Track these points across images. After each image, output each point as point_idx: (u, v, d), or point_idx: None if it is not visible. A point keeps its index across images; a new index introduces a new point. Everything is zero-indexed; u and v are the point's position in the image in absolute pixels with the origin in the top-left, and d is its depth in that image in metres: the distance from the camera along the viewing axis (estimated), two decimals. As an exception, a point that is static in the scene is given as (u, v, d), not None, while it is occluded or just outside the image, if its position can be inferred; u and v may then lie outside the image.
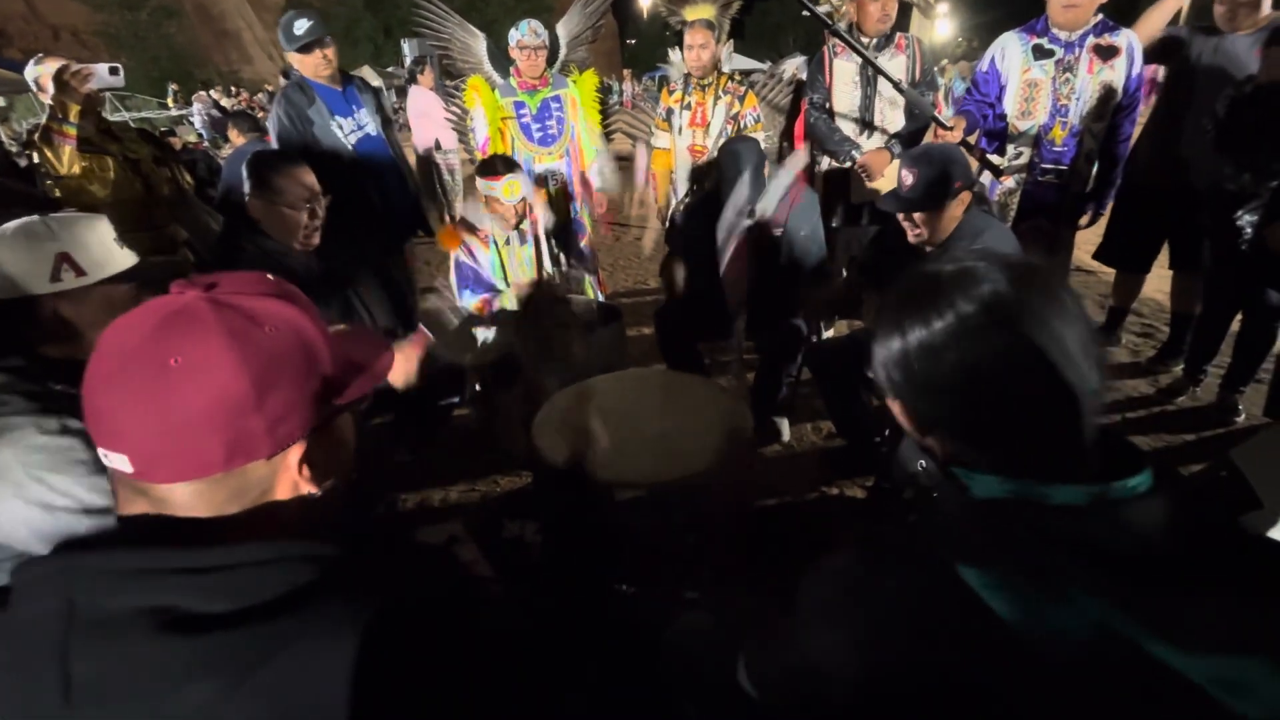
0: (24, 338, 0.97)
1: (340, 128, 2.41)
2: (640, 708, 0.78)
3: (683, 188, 2.86)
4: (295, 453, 0.51)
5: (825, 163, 2.76)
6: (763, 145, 2.71)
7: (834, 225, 2.74)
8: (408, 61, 8.90)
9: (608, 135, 3.10)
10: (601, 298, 3.01)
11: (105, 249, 1.03)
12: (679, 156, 2.84)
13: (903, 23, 2.69)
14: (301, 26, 2.30)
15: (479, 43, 2.87)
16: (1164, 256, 2.61)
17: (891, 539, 0.59)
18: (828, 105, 2.65)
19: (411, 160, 5.17)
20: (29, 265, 0.95)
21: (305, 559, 0.48)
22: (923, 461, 0.61)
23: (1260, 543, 0.51)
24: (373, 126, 2.51)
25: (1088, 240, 2.80)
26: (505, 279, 2.28)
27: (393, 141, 2.61)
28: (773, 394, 2.25)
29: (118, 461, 0.47)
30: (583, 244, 3.05)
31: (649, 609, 1.38)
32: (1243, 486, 0.99)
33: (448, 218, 5.00)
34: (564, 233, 2.88)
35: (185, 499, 0.48)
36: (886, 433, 1.91)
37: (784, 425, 2.32)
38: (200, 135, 11.29)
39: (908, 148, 2.61)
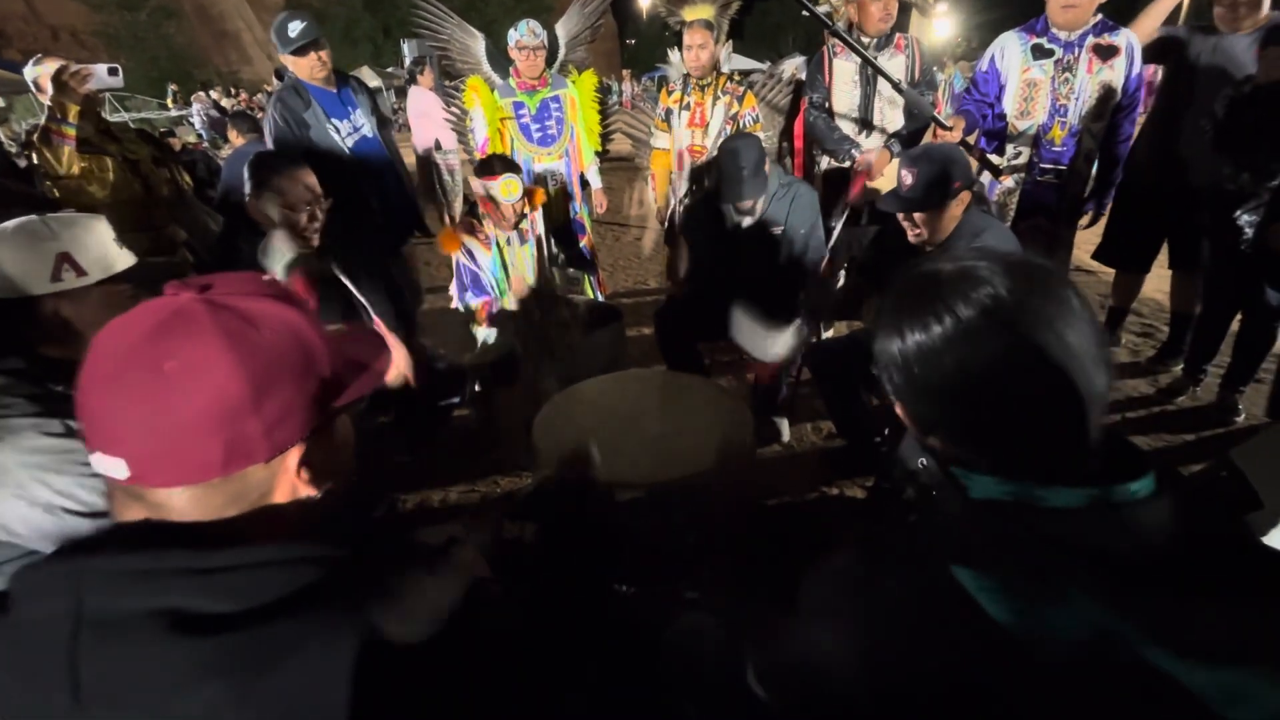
0: (24, 338, 0.97)
1: (337, 130, 2.39)
2: (640, 708, 0.78)
3: (682, 188, 2.86)
4: (294, 455, 0.50)
5: (825, 162, 2.76)
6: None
7: (833, 225, 2.74)
8: (407, 62, 8.90)
9: (607, 135, 3.10)
10: (601, 298, 3.01)
11: (105, 249, 1.03)
12: (678, 157, 2.84)
13: (902, 23, 2.69)
14: (295, 28, 2.28)
15: (478, 43, 2.87)
16: (1164, 256, 2.61)
17: (891, 539, 0.59)
18: (827, 105, 2.65)
19: (411, 160, 5.18)
20: (30, 265, 0.95)
21: (308, 560, 0.47)
22: (923, 460, 0.61)
23: (1262, 551, 0.51)
24: (369, 128, 2.50)
25: (1087, 240, 2.81)
26: (506, 279, 2.28)
27: (388, 142, 2.60)
28: (773, 394, 2.26)
29: (113, 466, 0.46)
30: (582, 244, 3.05)
31: (649, 609, 1.38)
32: (1243, 486, 0.99)
33: (447, 218, 5.00)
34: (564, 233, 2.88)
35: (183, 504, 0.47)
36: (886, 432, 1.91)
37: (784, 425, 2.32)
38: (200, 136, 11.29)
39: (907, 147, 2.61)
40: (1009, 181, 2.52)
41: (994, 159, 2.50)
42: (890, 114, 2.59)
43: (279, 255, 1.46)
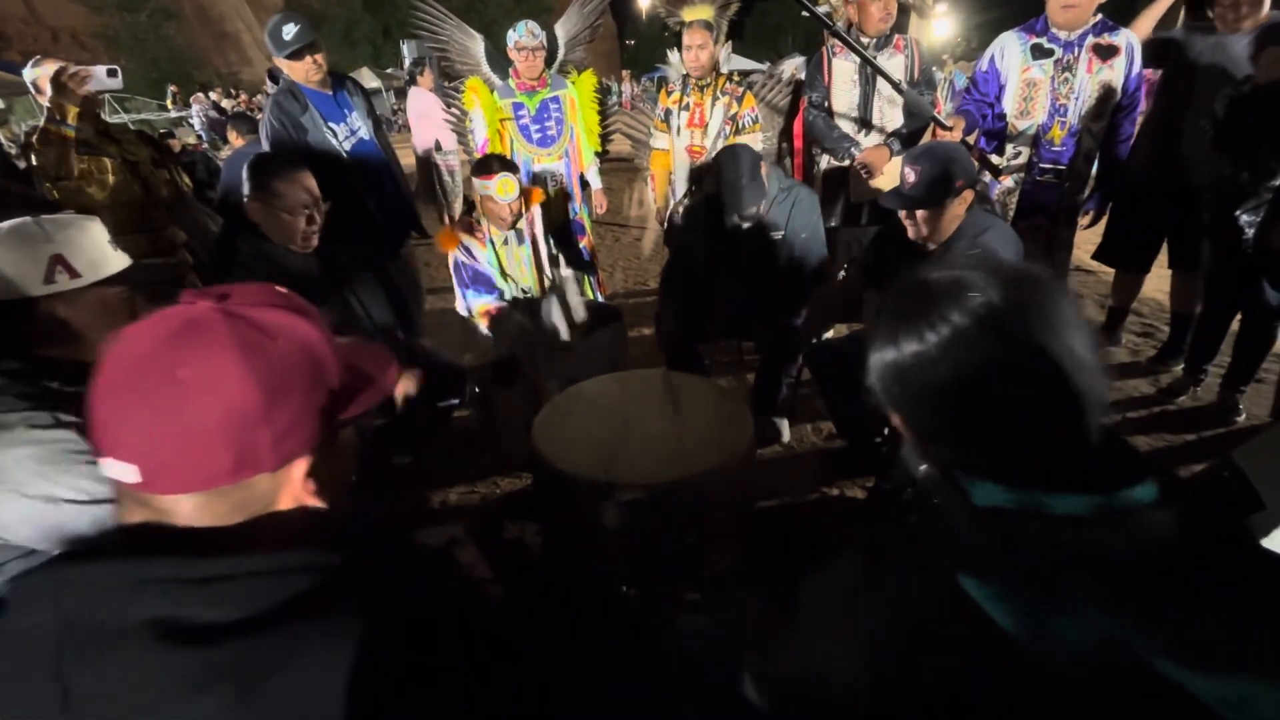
0: (19, 339, 0.97)
1: (334, 134, 2.38)
2: (640, 708, 0.78)
3: (681, 188, 2.86)
4: (300, 466, 0.51)
5: (825, 161, 2.76)
6: (761, 146, 2.72)
7: (833, 224, 2.74)
8: (407, 63, 8.90)
9: (606, 136, 3.10)
10: (601, 298, 3.01)
11: (99, 250, 1.02)
12: (677, 157, 2.84)
13: (901, 24, 2.69)
14: (290, 31, 2.24)
15: (477, 44, 2.87)
16: (1164, 256, 2.61)
17: (892, 544, 0.59)
18: (826, 104, 2.65)
19: (411, 161, 5.18)
20: (23, 267, 0.94)
21: (307, 568, 0.47)
22: (924, 467, 0.60)
23: (1264, 556, 0.51)
24: (365, 130, 2.49)
25: (1088, 240, 2.81)
26: (504, 279, 2.28)
27: (385, 144, 2.60)
28: (773, 395, 2.25)
29: (123, 471, 0.46)
30: (582, 244, 3.05)
31: (649, 609, 1.38)
32: (1245, 487, 0.99)
33: (447, 219, 5.00)
34: (563, 233, 2.88)
35: (188, 510, 0.48)
36: (886, 433, 1.91)
37: (784, 426, 2.32)
38: (199, 137, 11.29)
39: (907, 147, 2.61)
40: (1008, 181, 2.52)
41: (994, 159, 2.50)
42: (890, 113, 2.59)
43: None
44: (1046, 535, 0.50)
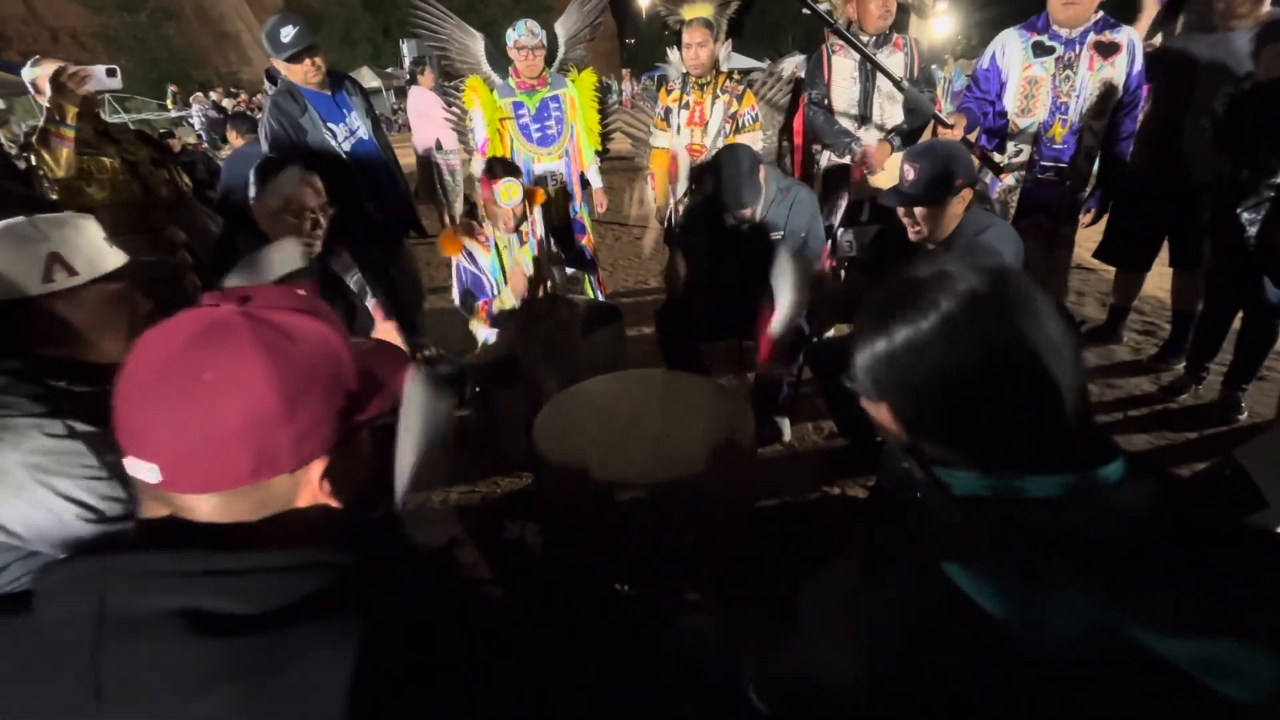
0: (21, 339, 0.96)
1: (334, 135, 2.38)
2: (640, 708, 0.78)
3: (681, 187, 2.86)
4: (317, 467, 0.52)
5: (825, 159, 2.75)
6: (761, 144, 2.72)
7: (833, 222, 2.74)
8: (407, 62, 8.89)
9: (606, 135, 3.10)
10: (601, 297, 3.01)
11: (96, 248, 1.01)
12: (678, 156, 2.83)
13: (901, 23, 2.69)
14: (288, 34, 2.22)
15: (477, 43, 2.87)
16: (1165, 254, 2.60)
17: (888, 544, 0.59)
18: (826, 101, 2.65)
19: (411, 160, 5.18)
20: (21, 267, 0.93)
21: (323, 565, 0.48)
22: (905, 464, 0.61)
23: (1243, 528, 0.52)
24: (364, 130, 2.48)
25: (1088, 238, 2.80)
26: (505, 280, 2.28)
27: (384, 143, 2.59)
28: (774, 394, 2.25)
29: (146, 470, 0.47)
30: (583, 244, 3.05)
31: (649, 609, 1.37)
32: (1248, 485, 0.98)
33: (447, 219, 5.00)
34: (564, 232, 2.88)
35: (209, 509, 0.49)
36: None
37: (785, 425, 2.31)
38: (199, 137, 11.29)
39: (908, 144, 2.61)
40: (1010, 179, 2.52)
41: (995, 157, 2.50)
42: (890, 110, 2.59)
43: (286, 263, 1.43)
44: (1021, 519, 0.51)
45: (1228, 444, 2.07)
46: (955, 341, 0.56)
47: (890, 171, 2.55)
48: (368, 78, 17.65)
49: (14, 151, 4.81)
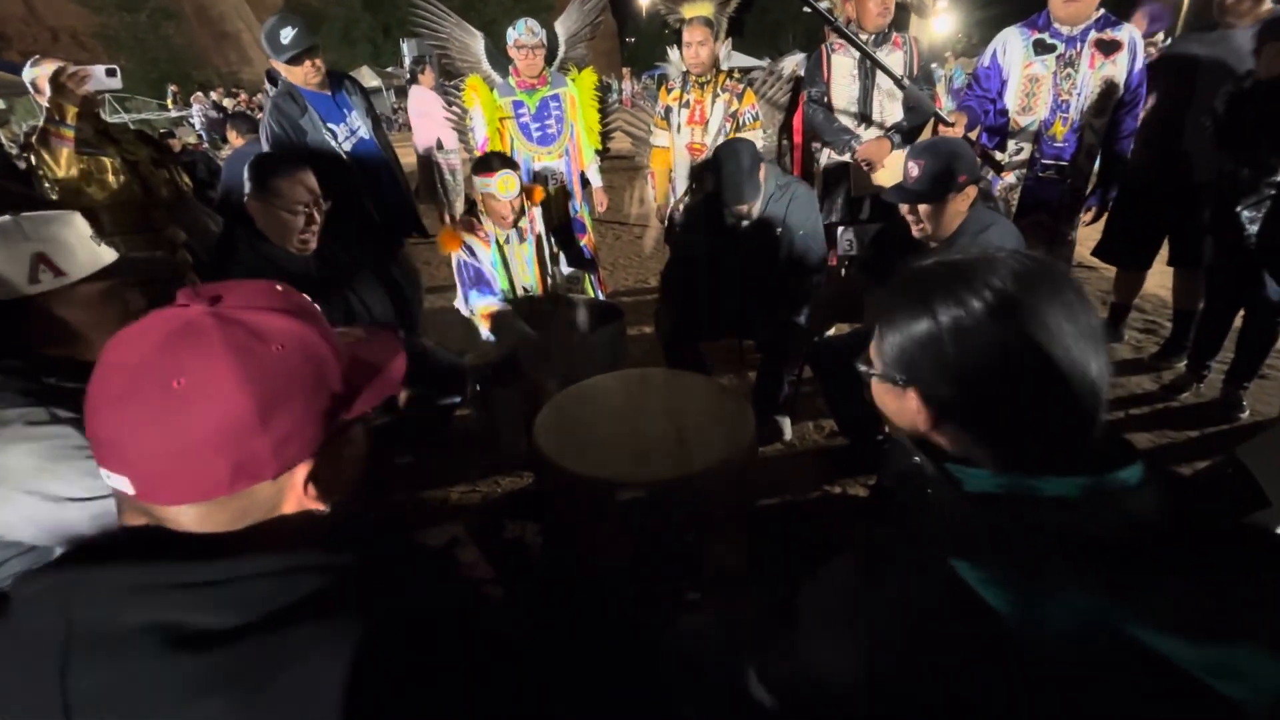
0: (14, 340, 0.96)
1: (334, 135, 2.37)
2: (640, 708, 0.77)
3: (682, 186, 2.86)
4: (301, 472, 0.50)
5: (825, 156, 2.75)
6: (761, 143, 2.71)
7: (834, 220, 2.74)
8: (407, 61, 8.88)
9: (607, 134, 3.10)
10: (602, 296, 3.01)
11: (83, 246, 0.99)
12: (678, 155, 2.83)
13: (901, 21, 2.68)
14: (288, 36, 2.21)
15: (477, 42, 2.86)
16: (1165, 253, 2.60)
17: (888, 543, 0.59)
18: (826, 100, 2.64)
19: (412, 160, 5.18)
20: (6, 268, 0.92)
21: (311, 570, 0.47)
22: (917, 458, 0.60)
23: (1246, 529, 0.52)
24: (365, 130, 2.48)
25: (1089, 236, 2.79)
26: (506, 278, 2.28)
27: (384, 142, 2.59)
28: (774, 393, 2.25)
29: (120, 483, 0.46)
30: (583, 243, 3.04)
31: (649, 609, 1.37)
32: (1250, 484, 0.98)
33: (448, 218, 4.99)
34: (564, 232, 2.87)
35: (188, 520, 0.47)
36: (888, 430, 1.90)
37: (786, 424, 2.31)
38: (199, 137, 11.30)
39: (908, 141, 2.60)
40: (1011, 178, 2.51)
41: (996, 155, 2.49)
42: (889, 107, 2.59)
43: None
44: (1032, 518, 0.50)
45: (1229, 443, 2.07)
46: (1008, 323, 0.54)
47: (891, 169, 2.55)
48: (368, 77, 17.66)
49: (14, 151, 4.81)
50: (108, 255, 1.03)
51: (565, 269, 2.52)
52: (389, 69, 20.54)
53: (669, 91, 2.81)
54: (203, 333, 0.46)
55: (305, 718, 0.42)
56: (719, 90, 2.67)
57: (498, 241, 2.24)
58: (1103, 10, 2.28)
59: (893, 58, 2.50)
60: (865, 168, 2.58)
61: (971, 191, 1.69)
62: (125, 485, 0.46)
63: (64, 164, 2.01)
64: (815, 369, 2.15)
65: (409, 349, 0.62)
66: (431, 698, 0.46)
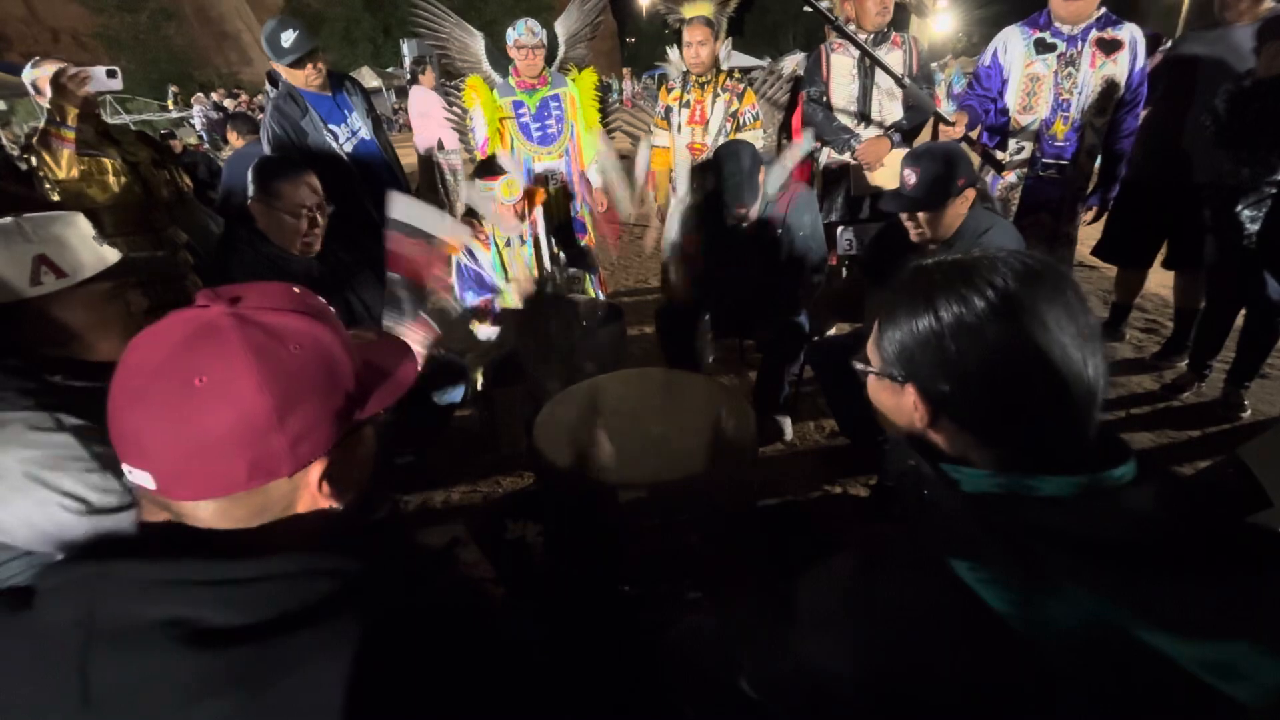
0: (17, 341, 0.95)
1: (335, 137, 2.37)
2: (640, 708, 0.77)
3: (682, 186, 2.85)
4: (316, 469, 0.51)
5: (825, 155, 2.75)
6: (761, 142, 2.71)
7: (833, 219, 2.74)
8: (407, 62, 8.88)
9: (607, 134, 3.09)
10: (603, 297, 3.01)
11: (85, 247, 0.98)
12: (678, 154, 2.83)
13: (900, 21, 2.68)
14: (289, 39, 2.21)
15: (477, 42, 2.86)
16: (1163, 254, 2.60)
17: (886, 542, 0.59)
18: (825, 99, 2.64)
19: (413, 160, 5.18)
20: (7, 270, 0.91)
21: (321, 573, 0.48)
22: (912, 461, 0.60)
23: (1244, 527, 0.52)
24: (365, 130, 2.48)
25: (1090, 236, 2.79)
26: (506, 278, 2.28)
27: (385, 143, 2.59)
28: (775, 393, 2.25)
29: (141, 478, 0.47)
30: (583, 243, 3.04)
31: (650, 609, 1.37)
32: (1251, 484, 0.98)
33: (448, 218, 4.98)
34: (564, 232, 2.87)
35: (207, 515, 0.49)
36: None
37: (786, 424, 2.31)
38: (200, 137, 11.31)
39: (907, 140, 2.60)
40: (1011, 177, 2.51)
41: (997, 154, 2.49)
42: (889, 107, 2.58)
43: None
44: (1028, 517, 0.51)
45: (1231, 442, 2.06)
46: (1009, 321, 0.54)
47: (890, 168, 2.55)
48: (368, 77, 17.68)
49: (16, 153, 4.81)
50: (110, 256, 1.02)
51: (565, 269, 2.52)
52: (389, 69, 20.56)
53: (669, 91, 2.81)
54: (223, 333, 0.48)
55: (312, 719, 0.43)
56: (719, 90, 2.67)
57: (497, 243, 2.24)
58: (1104, 9, 2.28)
59: (891, 57, 2.50)
60: (865, 168, 2.58)
61: (970, 194, 1.69)
62: (146, 480, 0.47)
63: (65, 165, 2.01)
64: (815, 369, 2.15)
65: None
66: (436, 699, 0.46)
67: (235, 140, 3.91)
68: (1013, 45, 2.40)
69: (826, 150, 2.74)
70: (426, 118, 4.92)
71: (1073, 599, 0.45)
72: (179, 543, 0.48)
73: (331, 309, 0.56)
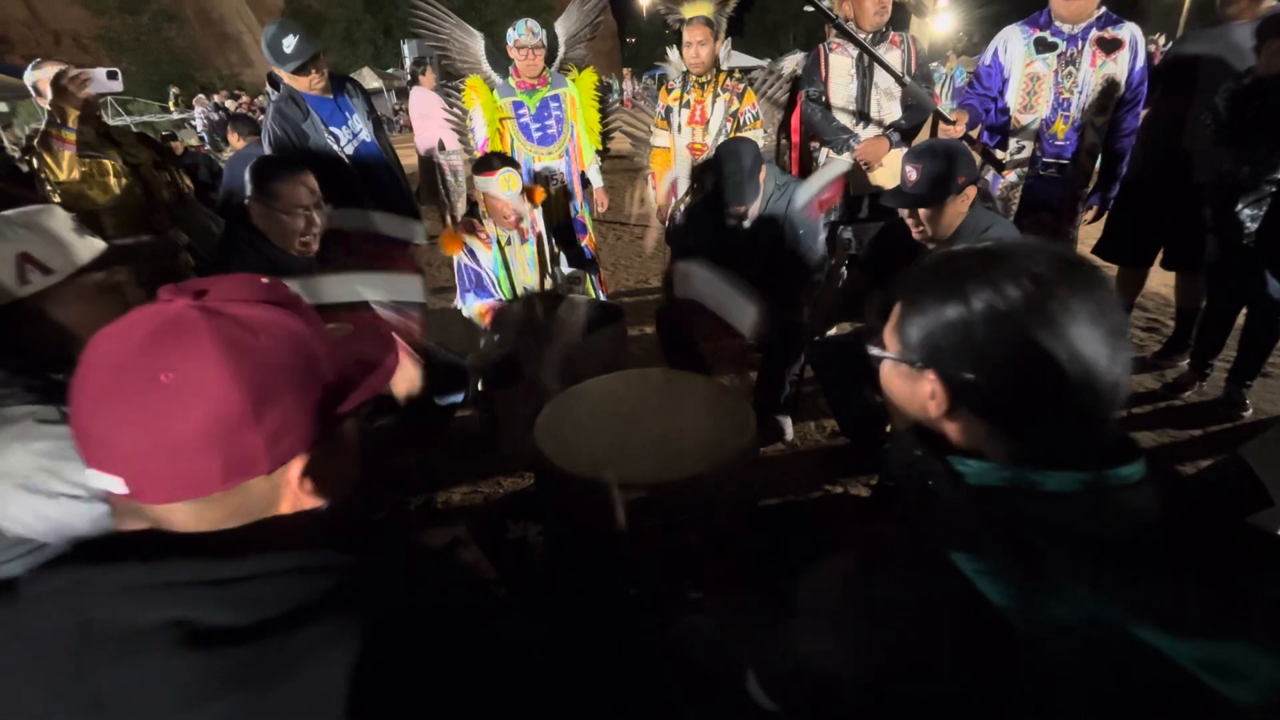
0: (14, 340, 0.94)
1: (336, 139, 2.37)
2: (640, 708, 0.77)
3: (683, 186, 2.85)
4: (297, 467, 0.49)
5: (823, 155, 2.75)
6: (761, 142, 2.71)
7: (833, 219, 2.73)
8: (408, 63, 8.89)
9: (607, 134, 3.10)
10: (603, 297, 3.01)
11: (67, 239, 0.96)
12: (679, 155, 2.83)
13: (900, 20, 2.68)
14: (290, 44, 2.19)
15: (477, 43, 2.87)
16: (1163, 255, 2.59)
17: (887, 539, 0.59)
18: (824, 99, 2.64)
19: (413, 161, 5.18)
20: None
21: (319, 569, 0.47)
22: (918, 451, 0.60)
23: (1245, 527, 0.51)
24: (366, 132, 2.48)
25: (1089, 235, 2.79)
26: (507, 279, 2.28)
27: (385, 145, 2.59)
28: (776, 392, 2.25)
29: (110, 483, 0.45)
30: (584, 243, 3.04)
31: (651, 609, 1.37)
32: (1253, 483, 0.98)
33: (449, 219, 5.00)
34: (564, 232, 2.87)
35: (182, 518, 0.47)
36: (889, 430, 1.90)
37: (787, 424, 2.31)
38: (201, 139, 11.32)
39: (906, 140, 2.60)
40: (1012, 176, 2.51)
41: (997, 153, 2.49)
42: (887, 106, 2.58)
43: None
44: (1032, 512, 0.50)
45: (1232, 441, 2.06)
46: (1043, 312, 0.53)
47: (889, 167, 2.55)
48: (369, 78, 17.70)
49: (17, 155, 4.82)
50: (95, 246, 0.99)
51: (566, 269, 2.52)
52: (390, 70, 20.58)
53: (669, 92, 2.81)
54: (189, 326, 0.45)
55: (314, 717, 0.42)
56: (719, 90, 2.67)
57: (499, 243, 2.24)
58: (1104, 8, 2.28)
59: (890, 57, 2.50)
60: (864, 167, 2.58)
61: (971, 192, 1.69)
62: (117, 485, 0.45)
63: (66, 167, 2.02)
64: (816, 369, 2.15)
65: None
66: (436, 699, 0.46)
67: (236, 141, 3.91)
68: (1013, 44, 2.40)
69: (825, 150, 2.73)
70: (427, 119, 4.93)
71: (1073, 595, 0.45)
72: (168, 546, 0.46)
73: (305, 299, 0.54)
